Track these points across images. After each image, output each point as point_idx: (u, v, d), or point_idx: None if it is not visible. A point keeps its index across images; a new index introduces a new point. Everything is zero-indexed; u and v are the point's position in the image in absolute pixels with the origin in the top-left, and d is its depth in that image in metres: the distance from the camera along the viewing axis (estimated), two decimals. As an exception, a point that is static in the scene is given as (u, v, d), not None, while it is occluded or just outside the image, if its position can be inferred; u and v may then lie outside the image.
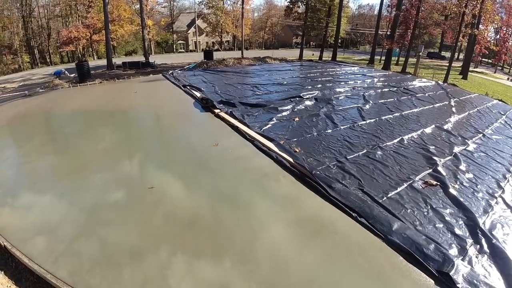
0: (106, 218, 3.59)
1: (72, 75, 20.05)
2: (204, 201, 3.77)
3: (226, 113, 6.93)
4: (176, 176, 4.34)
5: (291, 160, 4.71)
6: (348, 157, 4.95)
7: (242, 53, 29.14)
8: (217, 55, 25.21)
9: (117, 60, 25.58)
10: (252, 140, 5.48)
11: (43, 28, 47.28)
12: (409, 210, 3.68)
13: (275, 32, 65.56)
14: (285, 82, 11.04)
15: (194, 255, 2.96)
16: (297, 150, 5.06)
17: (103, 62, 28.19)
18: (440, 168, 4.83)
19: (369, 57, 36.98)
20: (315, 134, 5.92)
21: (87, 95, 12.03)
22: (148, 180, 4.32)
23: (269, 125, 6.25)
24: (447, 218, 3.60)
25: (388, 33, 35.38)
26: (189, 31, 56.52)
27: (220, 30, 51.89)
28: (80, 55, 45.52)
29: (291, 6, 34.59)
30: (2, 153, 6.34)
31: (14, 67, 43.11)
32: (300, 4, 34.96)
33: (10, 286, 3.20)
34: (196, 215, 3.51)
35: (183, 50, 55.38)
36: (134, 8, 46.73)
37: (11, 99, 13.28)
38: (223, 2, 50.91)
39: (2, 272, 3.38)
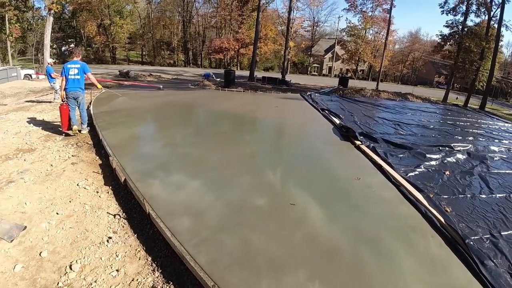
0: (249, 220, 3.71)
1: (218, 79, 22.56)
2: (344, 235, 3.57)
3: (367, 147, 6.61)
4: (317, 200, 4.27)
5: (441, 219, 4.13)
6: (502, 233, 4.09)
7: (377, 85, 28.03)
8: (350, 83, 24.82)
9: (257, 74, 27.68)
10: (397, 185, 5.03)
11: (199, 35, 55.25)
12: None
13: (415, 67, 61.07)
14: (431, 126, 10.00)
15: (332, 290, 2.75)
16: (448, 210, 4.42)
17: (244, 73, 30.99)
18: None
19: (522, 113, 30.88)
20: (468, 196, 5.07)
21: (233, 100, 13.32)
22: (289, 196, 4.37)
23: (416, 172, 5.66)
24: None
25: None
26: (325, 56, 57.60)
27: (357, 59, 51.26)
28: (226, 64, 51.24)
29: (442, 43, 31.56)
30: (160, 133, 7.56)
31: (169, 61, 51.66)
32: (453, 42, 31.63)
33: (139, 251, 3.38)
34: (336, 247, 3.34)
35: (316, 73, 56.69)
36: (279, 29, 50.26)
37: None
38: (365, 31, 50.32)
39: (136, 235, 3.62)
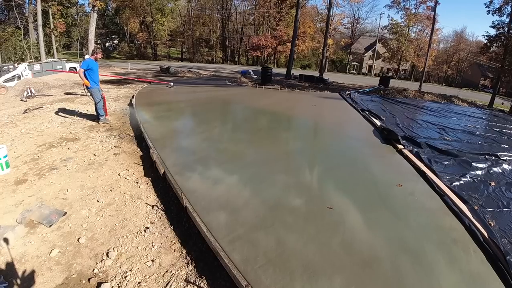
0: (285, 220, 3.64)
1: (255, 76, 22.59)
2: (383, 244, 3.38)
3: (410, 151, 6.28)
4: (356, 205, 4.11)
5: (485, 234, 3.83)
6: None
7: (420, 85, 26.62)
8: (391, 83, 23.84)
9: (294, 72, 27.37)
10: (441, 194, 4.73)
11: (237, 32, 55.83)
12: None
13: (460, 69, 57.44)
14: (478, 133, 9.36)
15: (370, 302, 2.61)
16: (492, 224, 4.09)
17: (281, 70, 30.78)
18: None
19: None
20: (513, 210, 4.66)
21: (269, 97, 13.30)
22: (326, 198, 4.25)
23: (462, 182, 5.28)
24: None
25: None
26: (365, 54, 55.82)
27: (399, 57, 49.23)
28: (263, 61, 51.29)
29: (488, 44, 29.37)
30: (199, 128, 7.67)
31: (208, 58, 52.80)
32: (499, 44, 29.29)
33: (174, 243, 3.39)
34: (374, 256, 3.18)
35: (355, 72, 55.19)
36: (318, 26, 49.42)
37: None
38: (408, 29, 48.22)
39: (172, 227, 3.65)
